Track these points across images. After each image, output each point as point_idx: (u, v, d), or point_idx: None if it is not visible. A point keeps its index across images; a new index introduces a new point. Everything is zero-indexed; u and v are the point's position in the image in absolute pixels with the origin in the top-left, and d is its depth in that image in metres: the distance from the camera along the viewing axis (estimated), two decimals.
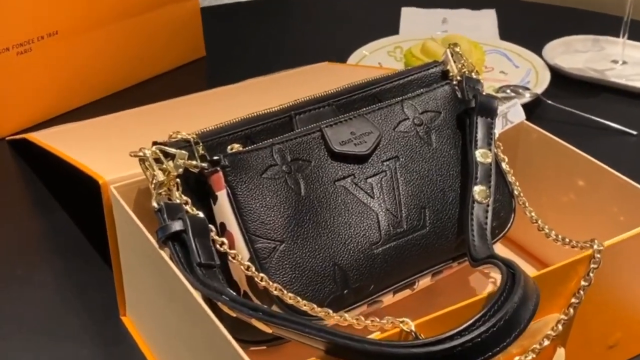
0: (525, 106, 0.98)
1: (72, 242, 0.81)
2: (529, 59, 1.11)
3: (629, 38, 1.12)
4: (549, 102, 1.01)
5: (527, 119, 0.76)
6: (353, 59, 1.11)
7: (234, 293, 0.55)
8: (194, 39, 1.16)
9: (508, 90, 1.02)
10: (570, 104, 1.02)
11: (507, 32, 1.23)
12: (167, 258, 0.58)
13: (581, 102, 1.04)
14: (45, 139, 0.83)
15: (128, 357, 0.68)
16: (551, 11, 1.34)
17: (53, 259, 0.79)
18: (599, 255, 0.58)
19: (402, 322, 0.51)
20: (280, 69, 1.04)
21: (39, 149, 0.82)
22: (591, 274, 0.58)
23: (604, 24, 1.22)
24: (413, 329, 0.51)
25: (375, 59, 1.11)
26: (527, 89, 1.03)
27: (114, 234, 0.68)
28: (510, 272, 0.51)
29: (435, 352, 0.45)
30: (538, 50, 1.14)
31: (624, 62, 1.11)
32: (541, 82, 1.05)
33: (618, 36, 1.12)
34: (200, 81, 1.14)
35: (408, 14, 1.31)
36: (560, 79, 1.09)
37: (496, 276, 0.75)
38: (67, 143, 0.80)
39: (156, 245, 0.59)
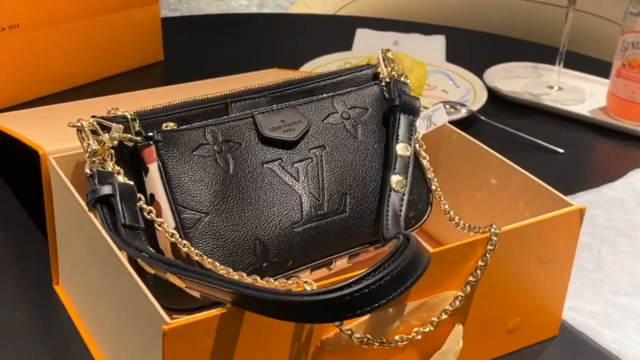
0: (462, 122, 1.05)
1: (15, 218, 0.85)
2: (469, 80, 1.17)
3: (570, 67, 1.19)
4: (482, 118, 1.06)
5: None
6: (305, 69, 1.16)
7: (153, 250, 0.59)
8: (153, 42, 1.21)
9: (447, 106, 1.07)
10: (504, 122, 1.07)
11: (454, 56, 1.29)
12: (95, 221, 0.62)
13: (515, 121, 1.10)
14: None
15: (57, 321, 0.71)
16: (498, 41, 1.41)
17: None
18: (495, 238, 0.63)
19: (305, 282, 0.55)
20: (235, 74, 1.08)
21: None
22: (488, 255, 0.63)
23: (547, 54, 1.28)
24: (315, 288, 0.55)
25: (325, 70, 1.16)
26: (464, 105, 1.09)
27: (50, 203, 0.71)
28: (405, 238, 0.55)
29: (325, 299, 0.49)
30: (480, 74, 1.20)
31: (560, 88, 1.17)
32: (478, 100, 1.11)
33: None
34: (156, 83, 1.18)
35: (362, 35, 1.36)
36: (499, 100, 1.15)
37: None
38: (12, 121, 0.84)
39: (86, 209, 0.63)
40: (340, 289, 0.49)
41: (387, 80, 0.77)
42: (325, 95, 0.74)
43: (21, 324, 0.70)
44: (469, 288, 0.63)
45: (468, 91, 1.14)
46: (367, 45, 1.31)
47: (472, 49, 1.37)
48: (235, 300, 0.53)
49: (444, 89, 1.15)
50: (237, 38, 1.36)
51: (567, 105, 1.14)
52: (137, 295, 0.55)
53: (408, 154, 0.72)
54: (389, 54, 0.80)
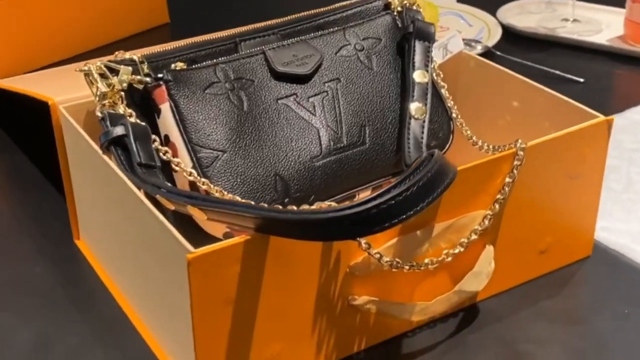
0: None
1: (30, 179, 0.84)
2: (482, 18, 1.15)
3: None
4: (499, 53, 1.04)
5: None
6: None
7: (171, 185, 0.57)
8: (157, 3, 1.19)
9: None
10: (521, 57, 1.05)
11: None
12: (110, 163, 0.61)
13: (532, 56, 1.07)
14: (4, 82, 0.85)
15: (80, 275, 0.70)
16: None
17: (11, 193, 0.82)
18: (521, 153, 0.61)
19: (328, 205, 0.53)
20: None
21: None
22: (515, 171, 0.61)
23: None
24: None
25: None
26: (479, 42, 1.06)
27: (64, 154, 0.70)
28: (430, 154, 0.53)
29: (351, 214, 0.47)
30: (493, 13, 1.18)
31: (575, 20, 1.15)
32: (493, 36, 1.08)
33: None
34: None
35: None
36: (513, 36, 1.13)
37: None
38: (19, 81, 0.83)
39: (100, 152, 0.61)
40: (366, 202, 0.48)
41: (399, 9, 0.75)
42: (336, 28, 0.72)
43: (43, 279, 0.69)
44: (497, 207, 0.61)
45: (482, 29, 1.12)
46: None
47: None
48: (258, 225, 0.51)
49: (457, 29, 1.13)
50: None
51: (583, 36, 1.11)
52: (159, 229, 0.54)
53: (425, 80, 0.70)
54: None
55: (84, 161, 0.66)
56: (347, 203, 0.48)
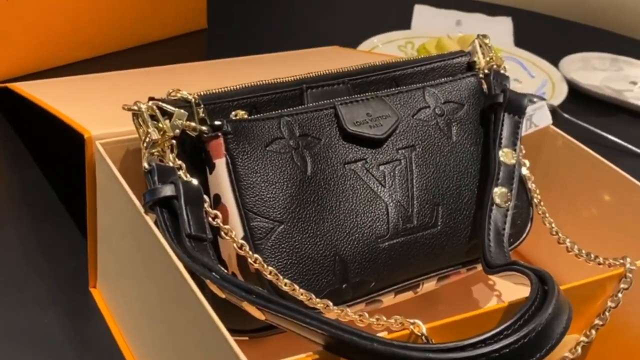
0: None
1: (44, 202, 0.74)
2: (545, 70, 1.06)
3: None
4: (566, 115, 0.96)
5: None
6: (363, 47, 1.05)
7: (226, 271, 0.48)
8: (196, 7, 1.10)
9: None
10: (585, 120, 0.96)
11: (522, 42, 1.18)
12: (152, 224, 0.52)
13: (597, 120, 0.99)
14: (29, 89, 0.76)
15: (93, 332, 0.61)
16: (568, 26, 1.29)
17: (20, 218, 0.72)
18: (630, 275, 0.52)
19: (412, 323, 0.45)
20: (285, 49, 0.97)
21: (20, 99, 0.75)
22: (620, 295, 0.52)
23: (622, 45, 1.17)
24: (425, 332, 0.45)
25: (385, 51, 1.06)
26: (543, 99, 0.97)
27: (93, 196, 0.61)
28: (540, 279, 0.45)
29: (456, 359, 0.39)
30: (554, 64, 1.09)
31: None
32: (558, 94, 1.00)
33: (637, 58, 1.08)
34: (198, 53, 1.08)
35: (421, 11, 1.25)
36: (576, 94, 1.04)
37: (501, 289, 0.69)
38: (53, 95, 0.73)
39: (141, 210, 0.52)
40: (473, 345, 0.39)
41: (486, 71, 0.66)
42: (415, 86, 0.64)
43: (52, 333, 0.60)
44: (594, 332, 0.53)
45: (545, 82, 1.03)
46: (427, 24, 1.20)
47: (540, 34, 1.25)
48: (330, 344, 0.43)
49: (517, 78, 1.04)
50: (288, 11, 1.25)
51: None
52: (211, 329, 0.45)
53: (513, 161, 0.62)
54: (487, 41, 0.69)
55: (118, 211, 0.57)
56: (447, 342, 0.40)
